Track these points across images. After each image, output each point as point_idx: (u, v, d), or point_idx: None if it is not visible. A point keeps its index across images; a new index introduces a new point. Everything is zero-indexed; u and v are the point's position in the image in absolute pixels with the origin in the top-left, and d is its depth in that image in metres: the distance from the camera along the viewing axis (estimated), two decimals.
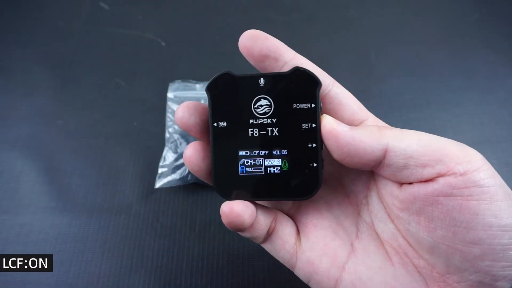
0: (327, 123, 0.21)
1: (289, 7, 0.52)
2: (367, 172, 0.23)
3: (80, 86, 0.45)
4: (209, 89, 0.22)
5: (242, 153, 0.22)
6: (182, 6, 0.53)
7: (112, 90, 0.45)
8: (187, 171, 0.37)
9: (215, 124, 0.22)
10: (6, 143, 0.41)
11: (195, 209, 0.36)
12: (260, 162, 0.22)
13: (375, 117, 0.23)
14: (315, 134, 0.21)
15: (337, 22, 0.51)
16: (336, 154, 0.21)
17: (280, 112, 0.22)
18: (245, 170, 0.22)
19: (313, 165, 0.21)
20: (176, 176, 0.37)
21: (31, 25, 0.50)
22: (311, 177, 0.21)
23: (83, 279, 0.33)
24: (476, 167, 0.19)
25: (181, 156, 0.38)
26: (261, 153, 0.22)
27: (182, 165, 0.37)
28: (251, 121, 0.22)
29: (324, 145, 0.21)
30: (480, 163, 0.19)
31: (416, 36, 0.49)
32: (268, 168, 0.22)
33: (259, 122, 0.22)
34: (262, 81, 0.22)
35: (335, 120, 0.21)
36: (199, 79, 0.43)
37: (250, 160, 0.22)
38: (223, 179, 0.22)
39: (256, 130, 0.22)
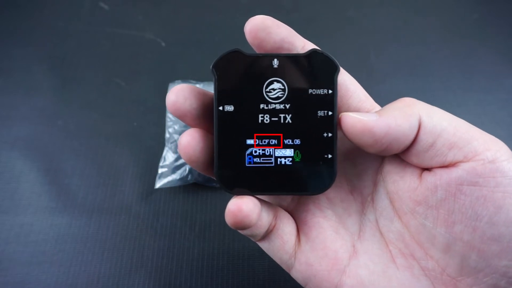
0: (354, 118, 0.19)
1: (289, 7, 0.52)
2: (375, 167, 0.22)
3: (80, 86, 0.45)
4: (215, 68, 0.19)
5: (250, 141, 0.20)
6: (182, 6, 0.53)
7: (112, 90, 0.45)
8: (187, 171, 0.37)
9: (221, 108, 0.20)
10: (6, 143, 0.41)
11: (195, 209, 0.36)
12: (270, 152, 0.20)
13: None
14: (332, 122, 0.20)
15: (337, 22, 0.51)
16: (373, 149, 0.19)
17: (295, 97, 0.20)
18: (253, 160, 0.20)
19: (328, 156, 0.20)
20: (176, 176, 0.37)
21: (31, 25, 0.50)
22: (325, 169, 0.20)
23: (83, 279, 0.33)
24: (506, 157, 0.18)
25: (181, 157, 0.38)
26: (272, 142, 0.20)
27: (182, 165, 0.37)
28: (261, 106, 0.20)
29: (357, 144, 0.19)
30: (509, 153, 0.18)
31: (416, 36, 0.49)
32: (279, 159, 0.20)
33: (271, 107, 0.20)
34: (276, 62, 0.20)
35: (358, 112, 0.19)
36: (199, 79, 0.43)
37: (259, 149, 0.20)
38: (227, 170, 0.20)
39: (267, 117, 0.20)
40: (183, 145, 0.19)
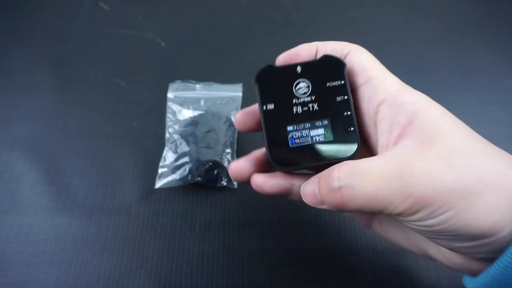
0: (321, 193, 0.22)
1: (289, 7, 0.52)
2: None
3: (80, 86, 0.45)
4: (256, 80, 0.26)
5: (290, 128, 0.25)
6: (182, 6, 0.53)
7: (112, 90, 0.45)
8: (187, 171, 0.37)
9: (264, 107, 0.25)
10: (6, 143, 0.41)
11: (195, 209, 0.36)
12: (306, 133, 0.25)
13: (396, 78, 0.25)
14: (348, 104, 0.25)
15: (337, 22, 0.51)
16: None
17: (317, 90, 0.25)
18: (294, 142, 0.25)
19: (350, 129, 0.24)
20: (176, 176, 0.37)
21: (31, 25, 0.50)
22: (350, 139, 0.24)
23: (83, 279, 0.33)
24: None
25: (181, 156, 0.38)
26: (306, 125, 0.25)
27: (182, 165, 0.37)
28: (294, 100, 0.25)
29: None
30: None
31: (416, 36, 0.49)
32: (314, 137, 0.25)
33: (301, 100, 0.25)
34: (299, 68, 0.26)
35: (325, 180, 0.22)
36: (199, 79, 0.43)
37: (298, 132, 0.25)
38: (277, 153, 0.25)
39: (299, 108, 0.25)
40: (233, 174, 0.27)
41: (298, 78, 0.26)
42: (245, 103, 0.42)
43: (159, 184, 0.37)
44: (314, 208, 0.36)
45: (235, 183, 0.37)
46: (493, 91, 0.44)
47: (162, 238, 0.35)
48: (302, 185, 0.24)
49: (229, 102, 0.41)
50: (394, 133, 0.22)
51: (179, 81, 0.43)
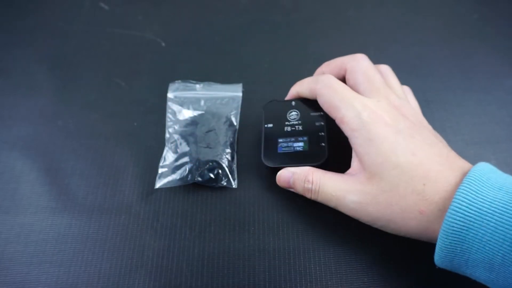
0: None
1: (289, 7, 0.52)
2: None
3: (80, 86, 0.45)
4: (264, 108, 0.38)
5: (280, 140, 0.36)
6: (182, 6, 0.53)
7: (112, 90, 0.45)
8: (187, 171, 0.37)
9: (266, 126, 0.37)
10: (6, 143, 0.41)
11: (195, 209, 0.36)
12: (290, 144, 0.35)
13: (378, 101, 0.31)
14: (324, 128, 0.35)
15: (337, 22, 0.51)
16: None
17: (303, 117, 0.37)
18: (282, 149, 0.35)
19: (322, 144, 0.35)
20: (176, 176, 0.37)
21: (31, 25, 0.50)
22: (321, 151, 0.34)
23: (83, 279, 0.33)
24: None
25: (181, 156, 0.38)
26: (291, 139, 0.36)
27: (182, 165, 0.37)
28: (286, 123, 0.37)
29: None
30: None
31: (416, 36, 0.49)
32: (295, 148, 0.35)
33: (291, 123, 0.37)
34: (293, 103, 0.37)
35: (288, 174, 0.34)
36: (199, 79, 0.43)
37: (285, 143, 0.36)
38: (268, 155, 0.36)
39: (289, 127, 0.36)
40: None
41: (292, 109, 0.37)
42: (245, 103, 0.42)
43: (159, 184, 0.37)
44: (314, 208, 0.36)
45: (235, 183, 0.37)
46: (493, 91, 0.44)
47: (162, 238, 0.35)
48: (279, 172, 0.34)
49: (229, 102, 0.41)
50: (353, 164, 0.32)
51: (179, 81, 0.43)
